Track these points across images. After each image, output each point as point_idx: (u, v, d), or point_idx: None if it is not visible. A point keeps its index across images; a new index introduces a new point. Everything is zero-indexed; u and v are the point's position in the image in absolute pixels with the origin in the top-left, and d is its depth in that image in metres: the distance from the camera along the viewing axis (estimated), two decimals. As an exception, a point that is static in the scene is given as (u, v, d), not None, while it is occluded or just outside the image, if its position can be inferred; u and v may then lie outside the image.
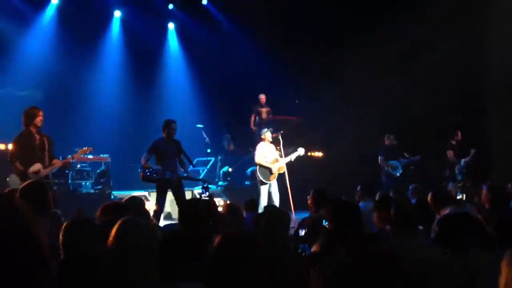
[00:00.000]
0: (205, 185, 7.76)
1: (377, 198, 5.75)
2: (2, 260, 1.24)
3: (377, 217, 4.81)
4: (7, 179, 6.75)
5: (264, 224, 4.04)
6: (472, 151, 10.37)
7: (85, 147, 7.55)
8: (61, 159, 7.34)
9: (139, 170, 7.96)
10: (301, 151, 9.61)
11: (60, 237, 3.10)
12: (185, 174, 8.29)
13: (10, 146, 7.28)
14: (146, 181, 8.07)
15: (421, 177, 10.16)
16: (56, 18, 12.01)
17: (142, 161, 8.05)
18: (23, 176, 6.53)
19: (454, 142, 10.40)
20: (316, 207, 5.74)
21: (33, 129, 6.75)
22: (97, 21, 12.43)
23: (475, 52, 11.11)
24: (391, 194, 6.58)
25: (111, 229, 3.24)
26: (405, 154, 10.56)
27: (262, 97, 12.04)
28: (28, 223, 1.32)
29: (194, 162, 11.24)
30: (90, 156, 9.44)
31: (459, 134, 10.32)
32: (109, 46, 12.84)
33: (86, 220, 3.42)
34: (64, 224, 3.21)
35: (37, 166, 6.68)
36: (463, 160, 10.17)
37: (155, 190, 8.59)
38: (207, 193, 7.44)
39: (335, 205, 3.65)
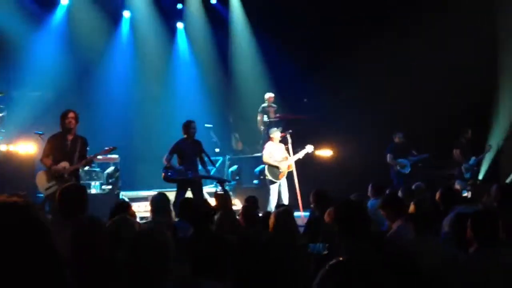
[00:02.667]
0: (221, 180, 7.94)
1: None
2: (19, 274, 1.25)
3: (384, 215, 4.83)
4: (36, 177, 6.88)
5: (273, 224, 4.07)
6: (488, 146, 10.29)
7: (106, 147, 7.61)
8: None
9: (162, 170, 8.10)
10: (309, 148, 9.64)
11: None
12: (205, 174, 8.46)
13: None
14: (168, 182, 8.20)
15: (431, 175, 10.12)
16: (66, 18, 12.09)
17: (164, 161, 8.17)
18: (49, 172, 6.73)
19: (463, 141, 10.31)
20: (318, 208, 5.82)
21: (64, 131, 6.90)
22: (107, 22, 12.49)
23: (487, 50, 11.03)
24: (400, 192, 6.55)
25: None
26: (414, 152, 10.52)
27: (270, 96, 12.02)
28: (48, 237, 1.32)
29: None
30: (99, 157, 9.49)
31: (469, 132, 10.23)
32: (119, 46, 12.90)
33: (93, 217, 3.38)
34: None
35: (62, 164, 6.79)
36: (473, 158, 10.08)
37: (163, 190, 8.66)
38: (220, 188, 7.54)
39: (338, 205, 3.67)
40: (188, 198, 6.72)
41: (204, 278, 2.62)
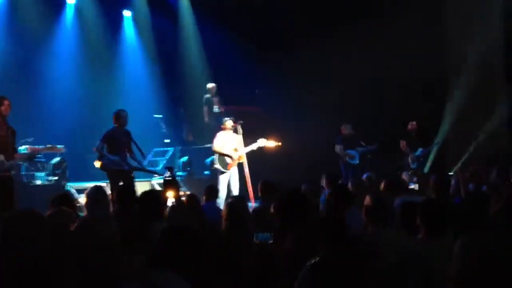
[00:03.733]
0: (168, 166, 7.73)
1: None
2: None
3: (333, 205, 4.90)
4: None
5: (228, 214, 4.03)
6: (436, 140, 10.57)
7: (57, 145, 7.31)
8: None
9: (97, 159, 7.85)
10: (261, 142, 9.64)
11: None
12: (139, 166, 8.25)
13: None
14: (105, 171, 7.97)
15: (380, 166, 10.35)
16: (7, 5, 11.52)
17: (95, 150, 7.95)
18: None
19: (410, 132, 10.57)
20: (264, 197, 5.90)
21: None
22: (50, 8, 12.01)
23: (434, 38, 11.34)
24: (349, 183, 6.68)
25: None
26: (362, 143, 10.74)
27: (212, 86, 11.87)
28: None
29: (152, 152, 11.15)
30: (42, 146, 9.17)
31: (414, 124, 10.49)
32: (64, 33, 12.44)
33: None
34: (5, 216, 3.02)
35: (0, 157, 6.44)
36: (420, 149, 10.34)
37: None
38: (169, 173, 7.34)
39: (280, 196, 3.74)
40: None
41: (160, 270, 2.56)
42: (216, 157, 9.43)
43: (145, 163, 9.08)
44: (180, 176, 10.89)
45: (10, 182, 5.37)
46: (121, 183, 7.56)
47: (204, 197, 6.40)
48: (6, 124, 6.65)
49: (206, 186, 6.56)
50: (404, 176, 9.63)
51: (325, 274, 1.79)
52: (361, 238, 3.78)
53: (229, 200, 4.62)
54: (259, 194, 6.12)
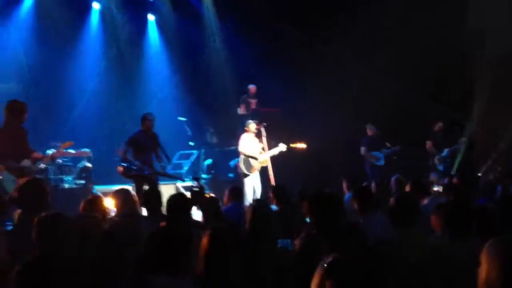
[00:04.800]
0: (196, 176, 7.77)
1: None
2: None
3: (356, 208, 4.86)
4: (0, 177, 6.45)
5: (252, 219, 4.00)
6: (462, 139, 10.37)
7: (66, 141, 7.42)
8: (41, 154, 7.20)
9: (119, 163, 7.91)
10: (282, 146, 9.61)
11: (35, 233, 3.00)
12: (161, 171, 8.28)
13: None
14: (125, 177, 8.01)
15: (406, 168, 10.21)
16: (34, 10, 11.77)
17: (120, 153, 7.99)
18: (13, 170, 6.38)
19: (436, 132, 10.41)
20: (278, 202, 5.87)
21: (17, 124, 6.60)
22: (75, 13, 12.21)
23: (463, 41, 11.15)
24: (372, 185, 6.61)
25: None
26: (387, 144, 10.61)
27: (252, 88, 11.83)
28: None
29: (177, 156, 11.20)
30: (71, 151, 9.31)
31: (441, 124, 10.33)
32: (88, 38, 12.62)
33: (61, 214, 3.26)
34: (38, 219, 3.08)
35: (24, 163, 6.54)
36: (446, 150, 10.17)
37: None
38: (197, 184, 7.38)
39: (310, 199, 3.69)
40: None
41: (152, 274, 2.55)
42: (241, 159, 9.43)
43: (169, 168, 9.10)
44: (205, 178, 10.94)
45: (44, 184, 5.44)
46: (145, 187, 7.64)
47: (227, 198, 6.39)
48: (22, 128, 6.73)
49: (230, 187, 6.54)
50: (433, 177, 9.48)
51: (342, 274, 1.77)
52: (382, 239, 3.73)
53: (254, 203, 4.58)
54: (272, 199, 6.07)
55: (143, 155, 8.04)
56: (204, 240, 2.81)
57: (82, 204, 4.68)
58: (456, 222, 3.45)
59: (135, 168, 7.85)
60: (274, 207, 8.57)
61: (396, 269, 3.32)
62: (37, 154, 6.90)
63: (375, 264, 2.52)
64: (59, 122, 10.94)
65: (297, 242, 3.43)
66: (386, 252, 3.39)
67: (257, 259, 3.40)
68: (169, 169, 9.70)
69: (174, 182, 10.05)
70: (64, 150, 7.87)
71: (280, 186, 6.13)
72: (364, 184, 6.92)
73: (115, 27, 12.56)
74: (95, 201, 4.78)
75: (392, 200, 3.84)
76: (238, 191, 6.49)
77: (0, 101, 9.59)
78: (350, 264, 1.74)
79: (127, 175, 7.99)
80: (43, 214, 3.11)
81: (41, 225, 2.99)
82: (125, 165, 7.87)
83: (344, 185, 6.82)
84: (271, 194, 6.06)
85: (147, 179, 7.94)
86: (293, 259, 3.46)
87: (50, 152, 7.58)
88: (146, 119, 8.23)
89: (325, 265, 1.76)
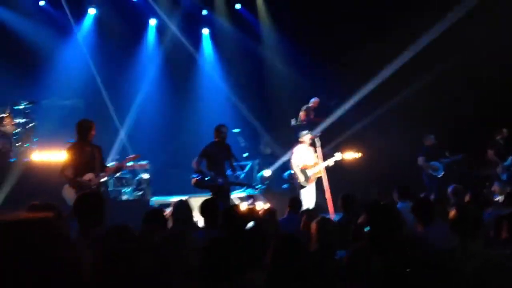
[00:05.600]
0: (251, 194, 7.81)
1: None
2: None
3: (415, 219, 4.74)
4: (62, 191, 6.75)
5: (319, 233, 3.97)
6: None
7: (132, 154, 7.65)
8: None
9: (192, 175, 8.04)
10: (338, 156, 9.50)
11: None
12: (235, 180, 8.41)
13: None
14: (198, 188, 8.14)
15: (467, 177, 9.89)
16: (94, 28, 12.27)
17: (194, 165, 8.11)
18: (75, 185, 6.64)
19: (498, 141, 10.03)
20: (346, 212, 5.76)
21: (85, 141, 6.87)
22: (133, 30, 12.63)
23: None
24: (432, 196, 6.43)
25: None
26: (447, 154, 10.29)
27: (316, 101, 11.47)
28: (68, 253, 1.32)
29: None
30: (129, 163, 9.57)
31: (504, 131, 9.94)
32: (146, 54, 13.04)
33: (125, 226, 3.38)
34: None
35: (88, 176, 6.77)
36: (510, 158, 9.76)
37: (194, 195, 8.67)
38: (252, 201, 7.46)
39: (370, 210, 3.62)
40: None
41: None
42: (297, 170, 9.40)
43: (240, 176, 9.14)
44: (259, 189, 10.96)
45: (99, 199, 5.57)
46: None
47: (287, 209, 6.38)
48: (91, 145, 6.96)
49: (291, 198, 6.54)
50: (496, 187, 9.12)
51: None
52: (444, 250, 3.62)
53: (319, 218, 4.52)
54: (340, 208, 5.99)
55: (217, 166, 8.15)
56: (271, 250, 2.83)
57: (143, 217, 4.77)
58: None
59: (208, 178, 7.99)
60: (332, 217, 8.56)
61: (457, 281, 3.23)
62: (108, 169, 7.18)
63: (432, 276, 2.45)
64: (116, 135, 11.26)
65: (347, 254, 3.38)
66: (447, 263, 3.30)
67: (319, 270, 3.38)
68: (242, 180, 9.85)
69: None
70: (130, 163, 8.12)
71: (351, 196, 6.00)
72: (422, 195, 6.72)
73: (170, 42, 12.85)
74: (156, 213, 4.88)
75: (453, 211, 3.73)
76: (298, 203, 6.46)
77: (66, 116, 10.18)
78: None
79: (201, 186, 8.13)
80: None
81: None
82: (198, 176, 8.01)
83: (395, 195, 6.65)
84: (340, 203, 5.95)
85: (221, 189, 8.05)
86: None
87: (110, 165, 7.82)
88: (219, 130, 8.32)
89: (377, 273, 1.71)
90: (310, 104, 11.44)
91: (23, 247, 1.22)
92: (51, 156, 8.70)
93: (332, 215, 9.05)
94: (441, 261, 3.43)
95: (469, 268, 3.23)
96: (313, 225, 3.98)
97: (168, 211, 5.41)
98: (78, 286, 1.31)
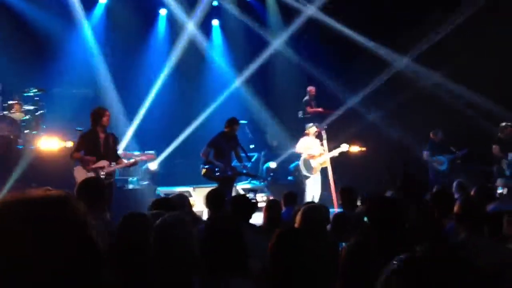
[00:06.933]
0: (254, 187, 7.83)
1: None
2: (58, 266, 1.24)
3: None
4: (74, 172, 6.81)
5: (302, 220, 4.01)
6: None
7: (148, 151, 7.65)
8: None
9: (202, 166, 8.09)
10: (344, 147, 9.54)
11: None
12: (244, 171, 8.44)
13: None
14: (207, 178, 8.19)
15: (471, 172, 9.87)
16: (105, 17, 12.33)
17: (202, 155, 8.15)
18: (87, 165, 6.74)
19: (502, 136, 9.99)
20: (346, 204, 5.79)
21: (99, 128, 6.96)
22: (143, 20, 12.67)
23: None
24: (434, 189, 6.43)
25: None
26: (452, 149, 10.27)
27: (312, 89, 11.56)
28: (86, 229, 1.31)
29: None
30: (136, 153, 9.65)
31: (509, 127, 9.89)
32: (156, 43, 13.09)
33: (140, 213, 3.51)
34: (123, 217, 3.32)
35: (102, 163, 6.85)
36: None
37: (199, 186, 8.74)
38: (253, 195, 7.51)
39: (371, 202, 3.63)
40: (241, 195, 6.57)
41: (229, 276, 2.59)
42: (301, 161, 9.45)
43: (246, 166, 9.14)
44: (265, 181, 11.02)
45: (109, 188, 5.65)
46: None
47: (282, 203, 6.41)
48: (105, 132, 7.06)
49: (284, 193, 6.56)
50: (499, 182, 9.11)
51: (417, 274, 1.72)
52: (458, 244, 3.62)
53: (304, 207, 4.57)
54: (340, 200, 6.03)
55: (224, 157, 8.19)
56: (272, 242, 2.86)
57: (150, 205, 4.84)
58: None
59: (218, 169, 8.03)
60: (336, 210, 8.61)
61: (470, 273, 3.24)
62: (121, 160, 7.27)
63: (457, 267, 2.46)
64: (126, 125, 11.34)
65: (345, 247, 3.40)
66: (459, 255, 3.31)
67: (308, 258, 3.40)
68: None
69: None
70: (137, 152, 8.17)
71: (349, 188, 6.03)
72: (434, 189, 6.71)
73: (180, 32, 12.88)
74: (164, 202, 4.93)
75: (457, 205, 3.75)
76: (292, 196, 6.49)
77: (75, 105, 10.25)
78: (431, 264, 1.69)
79: (211, 177, 8.17)
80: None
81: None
82: (208, 167, 8.05)
83: (396, 189, 6.64)
84: (339, 196, 5.98)
85: (229, 180, 8.10)
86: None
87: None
88: (232, 124, 8.30)
89: (397, 263, 1.71)
90: (307, 96, 11.44)
91: (38, 226, 1.20)
92: (59, 144, 8.78)
93: (336, 208, 9.09)
94: (453, 254, 3.43)
95: (480, 262, 3.24)
96: (299, 213, 4.01)
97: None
98: (94, 264, 1.27)
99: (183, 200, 5.17)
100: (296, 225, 3.91)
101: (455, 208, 3.80)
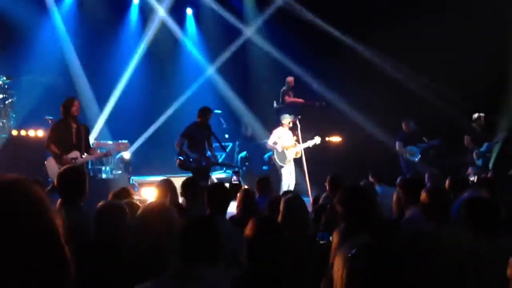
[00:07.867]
0: (235, 170, 7.86)
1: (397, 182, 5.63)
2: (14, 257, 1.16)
3: (396, 201, 4.75)
4: (45, 162, 6.81)
5: (285, 210, 4.00)
6: (502, 134, 9.97)
7: (122, 140, 7.57)
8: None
9: (177, 157, 8.03)
10: (317, 139, 9.62)
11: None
12: (215, 160, 8.42)
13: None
14: (182, 169, 8.15)
15: (443, 163, 10.03)
16: (76, 4, 12.08)
17: (176, 146, 8.09)
18: (60, 160, 6.65)
19: (475, 127, 10.16)
20: (334, 193, 5.75)
21: (70, 119, 6.85)
22: (115, 8, 12.45)
23: (500, 34, 10.80)
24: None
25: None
26: (425, 139, 10.40)
27: (291, 80, 11.57)
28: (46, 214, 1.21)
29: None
30: (109, 142, 9.53)
31: (482, 118, 10.07)
32: (128, 32, 12.89)
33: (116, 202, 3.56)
34: (98, 207, 3.33)
35: (75, 153, 6.76)
36: (485, 145, 9.90)
37: (174, 175, 8.67)
38: (235, 178, 7.45)
39: (344, 189, 3.62)
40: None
41: (202, 264, 2.57)
42: (275, 152, 9.48)
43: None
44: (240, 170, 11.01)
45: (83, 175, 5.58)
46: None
47: (256, 190, 6.39)
48: (77, 122, 6.95)
49: (257, 179, 6.53)
50: (470, 171, 9.26)
51: (373, 260, 1.75)
52: (420, 234, 3.66)
53: (287, 196, 4.56)
54: (328, 189, 5.97)
55: (198, 147, 8.15)
56: (249, 230, 2.84)
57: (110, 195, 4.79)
58: (485, 219, 3.34)
59: (192, 160, 7.99)
60: (310, 199, 8.65)
61: (433, 262, 3.30)
62: (93, 151, 7.21)
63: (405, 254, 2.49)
64: (97, 114, 11.18)
65: (335, 235, 3.39)
66: (424, 245, 3.35)
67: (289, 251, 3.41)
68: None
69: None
70: (110, 142, 8.07)
71: (338, 176, 6.03)
72: (398, 179, 6.79)
73: (153, 21, 12.71)
74: (125, 192, 4.87)
75: (423, 194, 3.77)
76: (267, 182, 6.46)
77: (44, 93, 10.04)
78: (380, 251, 1.72)
79: (185, 168, 8.12)
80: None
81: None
82: (183, 158, 8.00)
83: (372, 179, 6.70)
84: (327, 184, 5.96)
85: (204, 170, 8.07)
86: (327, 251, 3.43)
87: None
88: (205, 113, 8.27)
89: (353, 251, 1.75)
90: (285, 86, 11.45)
91: None
92: (29, 132, 8.61)
93: (310, 197, 9.15)
94: (420, 243, 3.47)
95: (448, 252, 3.28)
96: (281, 203, 4.01)
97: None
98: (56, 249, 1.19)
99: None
100: (280, 215, 3.90)
101: (422, 197, 3.82)
